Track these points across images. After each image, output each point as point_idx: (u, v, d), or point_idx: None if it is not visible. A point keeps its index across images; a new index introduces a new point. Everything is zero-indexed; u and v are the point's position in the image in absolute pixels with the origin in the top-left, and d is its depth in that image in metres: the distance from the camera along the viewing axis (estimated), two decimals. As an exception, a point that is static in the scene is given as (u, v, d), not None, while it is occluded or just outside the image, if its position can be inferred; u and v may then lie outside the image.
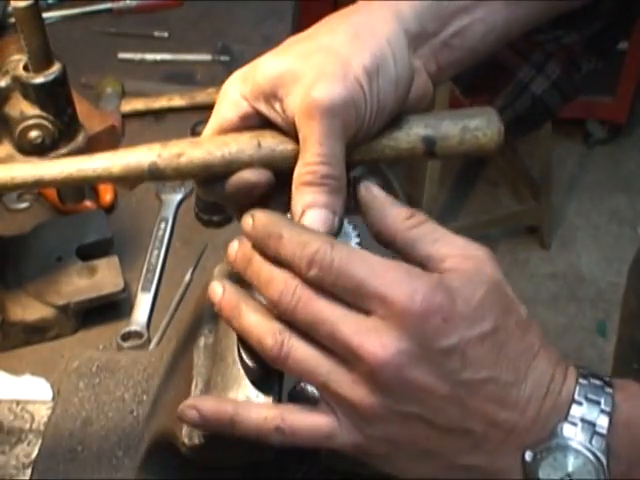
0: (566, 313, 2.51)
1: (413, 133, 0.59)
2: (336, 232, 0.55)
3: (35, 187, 0.59)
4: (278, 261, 0.52)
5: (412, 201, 2.56)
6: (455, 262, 0.52)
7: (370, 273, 0.50)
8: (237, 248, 0.55)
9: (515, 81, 0.79)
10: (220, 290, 0.55)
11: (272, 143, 0.58)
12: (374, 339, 0.49)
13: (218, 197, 0.61)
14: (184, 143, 0.58)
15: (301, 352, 0.51)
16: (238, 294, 0.55)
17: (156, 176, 0.58)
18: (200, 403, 0.54)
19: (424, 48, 0.62)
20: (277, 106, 0.58)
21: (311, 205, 0.55)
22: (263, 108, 0.59)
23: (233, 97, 0.60)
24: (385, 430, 0.51)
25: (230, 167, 0.58)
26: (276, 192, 0.59)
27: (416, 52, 0.61)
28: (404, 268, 0.51)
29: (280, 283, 0.52)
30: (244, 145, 0.58)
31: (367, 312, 0.50)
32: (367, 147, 0.59)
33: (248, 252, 0.54)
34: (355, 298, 0.50)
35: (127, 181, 0.60)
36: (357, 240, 0.55)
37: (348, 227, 0.56)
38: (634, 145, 2.98)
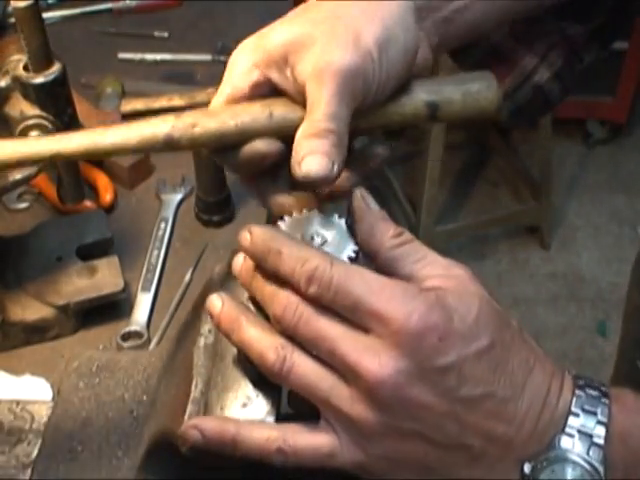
0: (566, 313, 2.51)
1: (418, 99, 0.60)
2: (332, 180, 0.55)
3: (52, 161, 0.59)
4: (277, 276, 0.52)
5: (412, 201, 2.56)
6: (437, 282, 0.53)
7: (367, 291, 0.50)
8: (242, 262, 0.55)
9: (517, 71, 0.79)
10: (219, 303, 0.54)
11: (283, 112, 0.58)
12: (372, 357, 0.49)
13: (230, 166, 0.61)
14: (197, 114, 0.59)
15: (303, 367, 0.51)
16: (237, 308, 0.54)
17: (171, 146, 0.58)
18: (202, 423, 0.53)
19: (427, 20, 0.63)
20: (288, 73, 0.58)
21: (311, 152, 0.55)
22: (274, 76, 0.59)
23: (244, 66, 0.60)
24: (384, 447, 0.51)
25: (243, 136, 0.58)
26: (287, 161, 0.59)
27: (420, 24, 0.62)
28: (401, 286, 0.51)
29: (284, 299, 0.52)
30: (256, 115, 0.58)
31: (365, 329, 0.50)
32: (373, 114, 0.59)
33: (252, 267, 0.54)
34: (353, 315, 0.50)
35: (143, 151, 0.61)
36: (354, 247, 0.55)
37: (347, 233, 0.56)
38: (634, 145, 2.98)
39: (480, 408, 0.50)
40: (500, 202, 2.80)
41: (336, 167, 0.55)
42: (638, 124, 3.01)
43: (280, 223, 0.56)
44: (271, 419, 0.53)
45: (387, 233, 0.54)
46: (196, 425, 0.53)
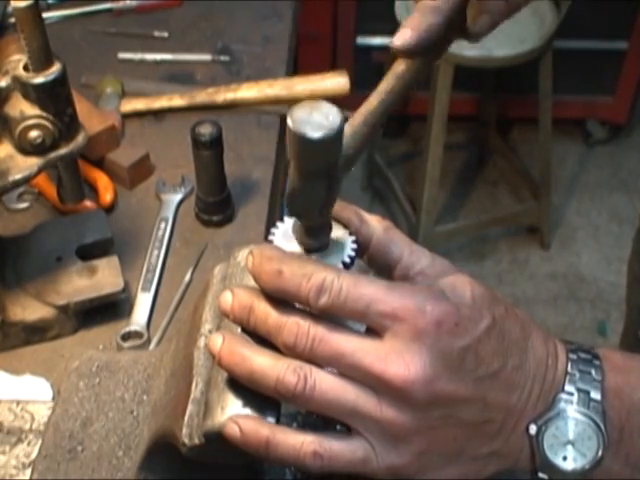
0: (566, 313, 2.51)
1: None
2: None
3: None
4: (280, 295, 0.52)
5: (412, 201, 2.56)
6: (424, 265, 0.56)
7: (378, 292, 0.51)
8: (232, 299, 0.54)
9: None
10: (219, 340, 0.53)
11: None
12: (396, 361, 0.50)
13: None
14: None
15: (326, 382, 0.51)
16: (239, 339, 0.54)
17: None
18: (241, 420, 0.53)
19: None
20: None
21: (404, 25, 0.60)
22: None
23: None
24: (418, 444, 0.52)
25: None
26: None
27: None
28: (407, 285, 0.54)
29: (293, 326, 0.51)
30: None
31: (380, 331, 0.51)
32: None
33: (246, 300, 0.53)
34: (366, 318, 0.51)
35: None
36: (350, 252, 0.56)
37: (348, 237, 0.57)
38: (634, 145, 2.98)
39: (496, 382, 0.52)
40: (500, 202, 2.81)
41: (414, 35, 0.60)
42: (638, 124, 3.01)
43: (273, 230, 0.57)
44: (272, 420, 0.53)
45: (374, 218, 0.58)
46: (237, 421, 0.52)
